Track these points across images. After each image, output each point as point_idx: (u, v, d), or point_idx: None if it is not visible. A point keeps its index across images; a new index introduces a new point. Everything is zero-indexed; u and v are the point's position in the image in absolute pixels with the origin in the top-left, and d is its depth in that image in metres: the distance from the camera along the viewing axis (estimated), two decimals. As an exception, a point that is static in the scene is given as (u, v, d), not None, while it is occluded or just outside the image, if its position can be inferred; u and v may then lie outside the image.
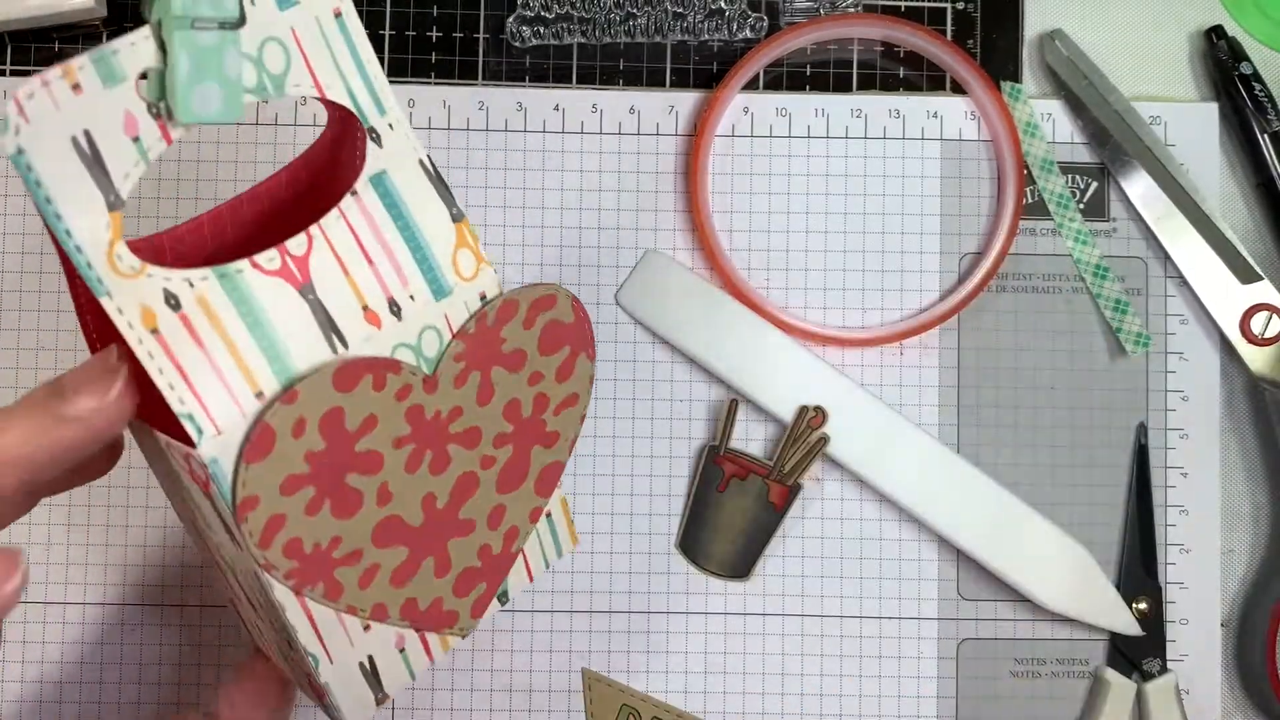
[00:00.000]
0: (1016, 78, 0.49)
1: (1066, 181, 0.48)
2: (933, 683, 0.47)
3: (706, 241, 0.47)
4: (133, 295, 0.28)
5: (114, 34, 0.48)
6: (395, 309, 0.32)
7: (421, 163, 0.33)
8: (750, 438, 0.47)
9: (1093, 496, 0.47)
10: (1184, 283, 0.48)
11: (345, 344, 0.31)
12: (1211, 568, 0.47)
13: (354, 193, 0.32)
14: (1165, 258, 0.48)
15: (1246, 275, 0.47)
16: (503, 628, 0.47)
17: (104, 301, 0.28)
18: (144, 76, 0.28)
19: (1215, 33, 0.48)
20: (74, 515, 0.46)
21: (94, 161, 0.28)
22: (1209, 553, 0.47)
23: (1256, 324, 0.47)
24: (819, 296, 0.48)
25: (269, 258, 0.31)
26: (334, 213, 0.32)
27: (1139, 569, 0.47)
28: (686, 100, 0.48)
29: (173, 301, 0.29)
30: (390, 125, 0.33)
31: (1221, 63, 0.48)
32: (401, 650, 0.36)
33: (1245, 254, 0.47)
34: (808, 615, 0.47)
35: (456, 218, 0.34)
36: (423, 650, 0.37)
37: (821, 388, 0.46)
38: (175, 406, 0.29)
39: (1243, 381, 0.48)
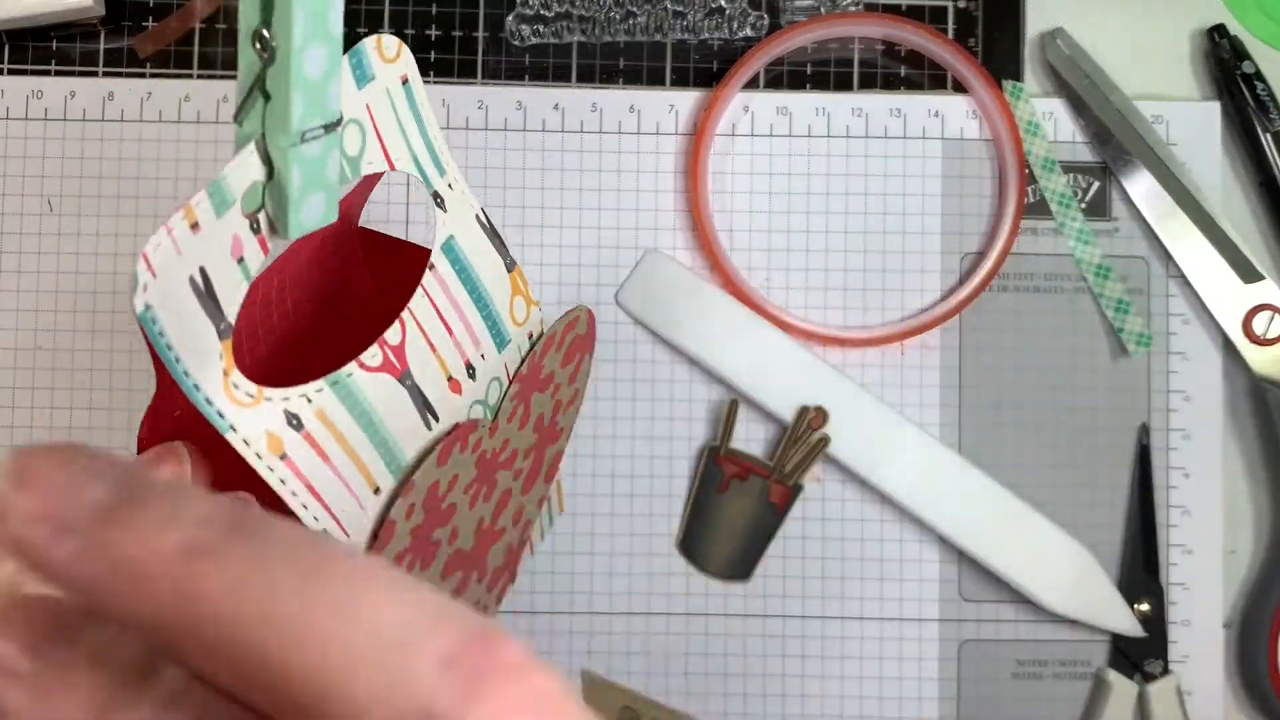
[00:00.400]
0: (1018, 77, 0.49)
1: (1068, 181, 0.48)
2: (934, 684, 0.47)
3: (706, 241, 0.46)
4: (256, 423, 0.27)
5: (111, 33, 0.48)
6: (471, 371, 0.33)
7: (478, 217, 0.33)
8: (751, 438, 0.47)
9: (1094, 497, 0.47)
10: (1186, 282, 0.48)
11: (437, 419, 0.31)
12: (1214, 568, 0.47)
13: (431, 266, 0.31)
14: (1167, 257, 0.48)
15: (1248, 275, 0.47)
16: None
17: (229, 436, 0.26)
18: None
19: (1217, 31, 0.48)
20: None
21: (207, 296, 0.26)
22: (1211, 553, 0.47)
23: (1259, 324, 0.47)
24: (819, 296, 0.48)
25: (372, 354, 0.30)
26: (419, 292, 0.31)
27: (1141, 570, 0.47)
28: (686, 99, 0.48)
29: (294, 421, 0.28)
30: (450, 185, 0.32)
31: (1223, 62, 0.48)
32: None
33: (1247, 253, 0.47)
34: (808, 616, 0.47)
35: (509, 267, 0.34)
36: None
37: (822, 388, 0.46)
38: (309, 523, 0.28)
39: (1245, 381, 0.48)
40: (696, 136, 0.47)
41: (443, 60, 0.48)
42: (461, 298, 0.32)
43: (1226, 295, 0.47)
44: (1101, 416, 0.48)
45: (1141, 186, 0.48)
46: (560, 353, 0.36)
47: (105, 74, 0.48)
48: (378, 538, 0.30)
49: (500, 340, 0.33)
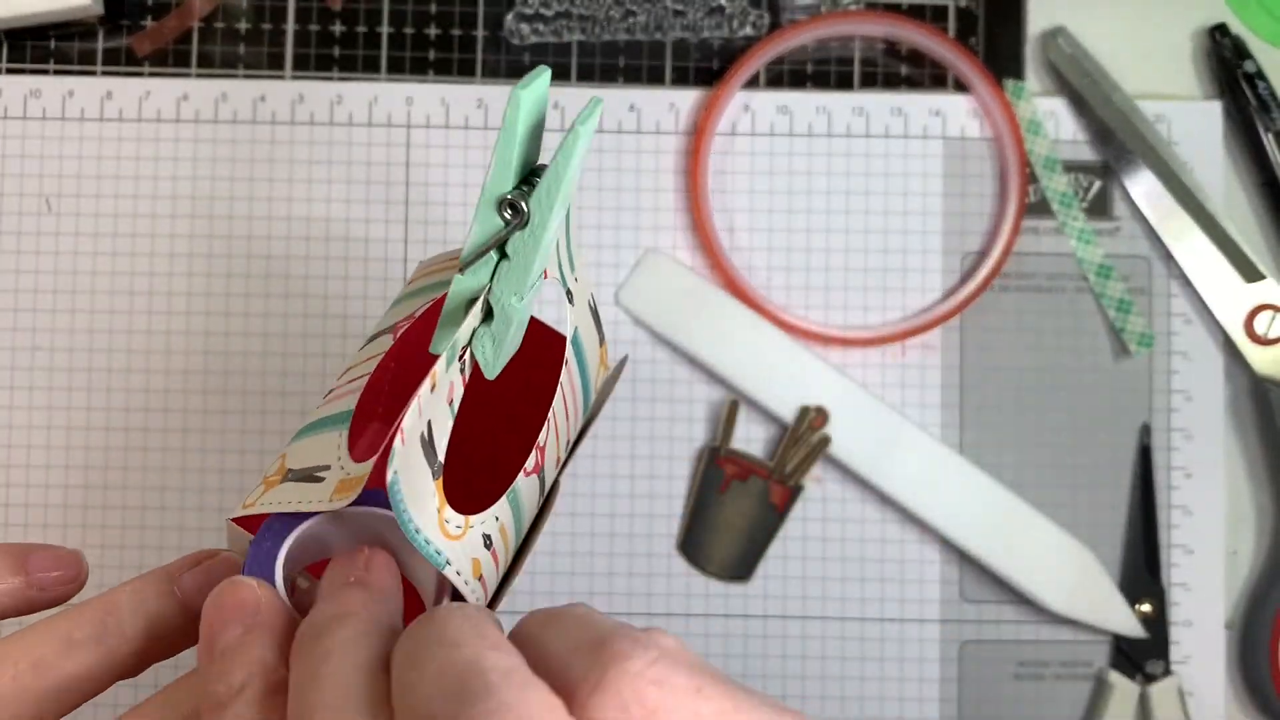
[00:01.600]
0: (1019, 76, 0.48)
1: (1069, 180, 0.48)
2: (935, 685, 0.47)
3: (706, 241, 0.46)
4: (463, 554, 0.27)
5: (110, 32, 0.47)
6: (571, 448, 0.33)
7: (590, 304, 0.33)
8: (751, 438, 0.47)
9: (1096, 497, 0.47)
10: (1187, 282, 0.48)
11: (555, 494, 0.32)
12: (1215, 569, 0.47)
13: (566, 362, 0.31)
14: (1169, 257, 0.48)
15: (1250, 274, 0.47)
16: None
17: (445, 570, 0.27)
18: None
19: (1219, 31, 0.48)
20: (69, 516, 0.46)
21: (429, 444, 0.26)
22: (1213, 554, 0.47)
23: (1260, 323, 0.47)
24: (820, 296, 0.47)
25: (532, 460, 0.30)
26: (558, 392, 0.31)
27: (1142, 570, 0.47)
28: (687, 98, 0.48)
29: (488, 542, 0.29)
30: (576, 279, 0.32)
31: (1225, 61, 0.48)
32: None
33: (1249, 253, 0.47)
34: (809, 617, 0.47)
35: (602, 341, 0.34)
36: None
37: (822, 388, 0.46)
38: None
39: (1246, 381, 0.48)
40: (697, 136, 0.47)
41: (442, 59, 0.48)
42: (577, 385, 0.32)
43: (1228, 295, 0.47)
44: (1103, 416, 0.47)
45: (1143, 186, 0.47)
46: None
47: (104, 73, 0.48)
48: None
49: (586, 411, 0.34)
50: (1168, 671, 0.46)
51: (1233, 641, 0.47)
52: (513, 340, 0.28)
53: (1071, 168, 0.48)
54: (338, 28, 0.48)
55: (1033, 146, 0.47)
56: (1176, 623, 0.47)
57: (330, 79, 0.48)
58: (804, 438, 0.46)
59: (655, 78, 0.48)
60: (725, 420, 0.46)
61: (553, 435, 0.31)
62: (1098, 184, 0.48)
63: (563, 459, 0.33)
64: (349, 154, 0.47)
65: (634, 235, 0.47)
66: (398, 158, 0.47)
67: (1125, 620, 0.46)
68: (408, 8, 0.48)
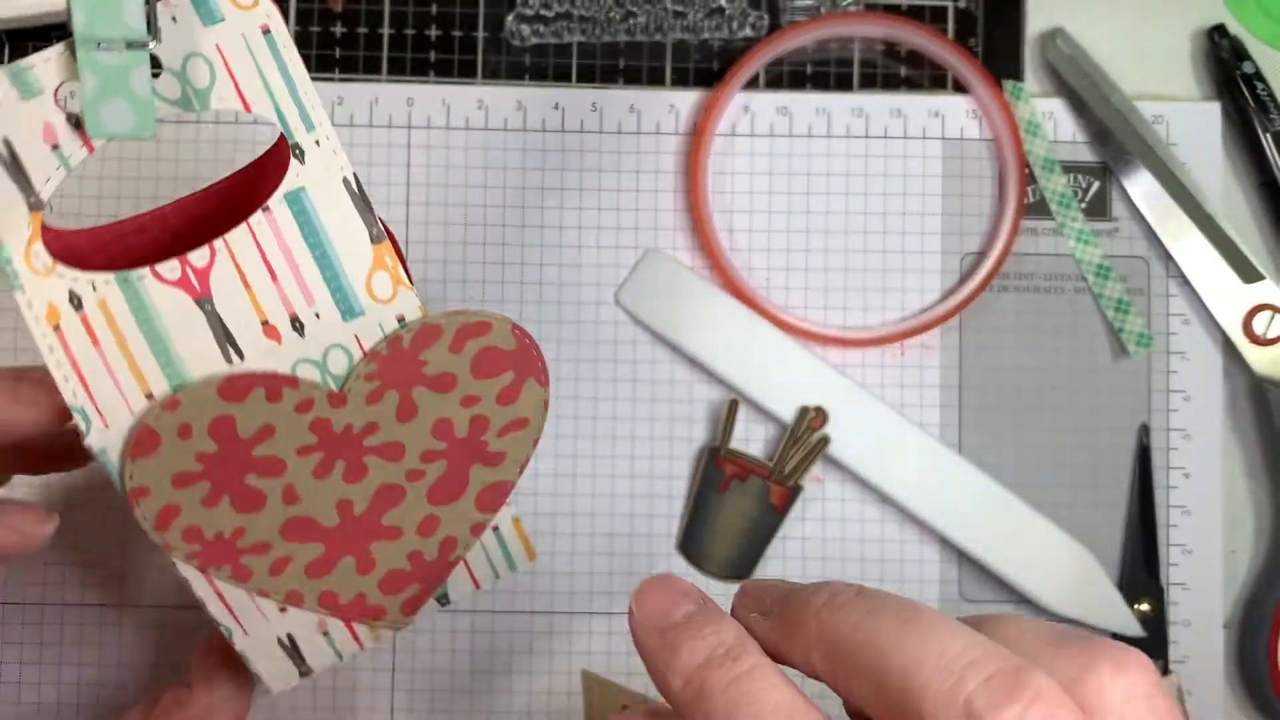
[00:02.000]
0: (1018, 77, 0.49)
1: (1068, 181, 0.48)
2: (934, 684, 0.47)
3: (706, 241, 0.46)
4: (42, 292, 0.31)
5: (112, 33, 0.48)
6: (298, 326, 0.33)
7: (345, 181, 0.33)
8: (750, 438, 0.47)
9: (1094, 497, 0.47)
10: (1186, 282, 0.48)
11: (242, 356, 0.33)
12: (1214, 569, 0.47)
13: (266, 209, 0.33)
14: (1167, 257, 0.48)
15: (1249, 275, 0.47)
16: (502, 628, 0.47)
17: (16, 295, 0.30)
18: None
19: (1217, 32, 0.48)
20: (78, 517, 0.46)
21: (14, 167, 0.30)
22: (1211, 554, 0.47)
23: (1259, 324, 0.47)
24: (819, 296, 0.48)
25: (170, 268, 0.32)
26: (242, 228, 0.32)
27: (1141, 570, 0.47)
28: (687, 99, 0.48)
29: (75, 301, 0.31)
30: (317, 142, 0.33)
31: (1223, 62, 0.48)
32: (325, 633, 0.37)
33: (1248, 253, 0.47)
34: (808, 616, 0.47)
35: (376, 239, 0.34)
36: (350, 637, 0.37)
37: (822, 388, 0.46)
38: (68, 399, 0.31)
39: (1245, 382, 0.48)
40: (696, 136, 0.47)
41: (443, 60, 0.48)
42: (298, 249, 0.33)
43: (1227, 295, 0.47)
44: (1101, 416, 0.48)
45: (1142, 186, 0.48)
46: (458, 356, 0.35)
47: (105, 74, 0.48)
48: (140, 443, 0.31)
49: (346, 308, 0.33)
50: (1166, 671, 0.47)
51: (1231, 641, 0.47)
52: (102, 100, 0.30)
53: (1070, 168, 0.48)
54: (338, 29, 0.48)
55: (1031, 147, 0.48)
56: (1175, 622, 0.47)
57: (331, 80, 0.48)
58: (803, 438, 0.46)
59: (655, 79, 0.48)
60: (725, 420, 0.46)
61: (236, 277, 0.32)
62: (1096, 184, 0.48)
63: (281, 331, 0.33)
64: (350, 155, 0.47)
65: (634, 235, 0.47)
66: (398, 159, 0.47)
67: (1124, 619, 0.46)
68: (408, 9, 0.48)
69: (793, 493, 0.46)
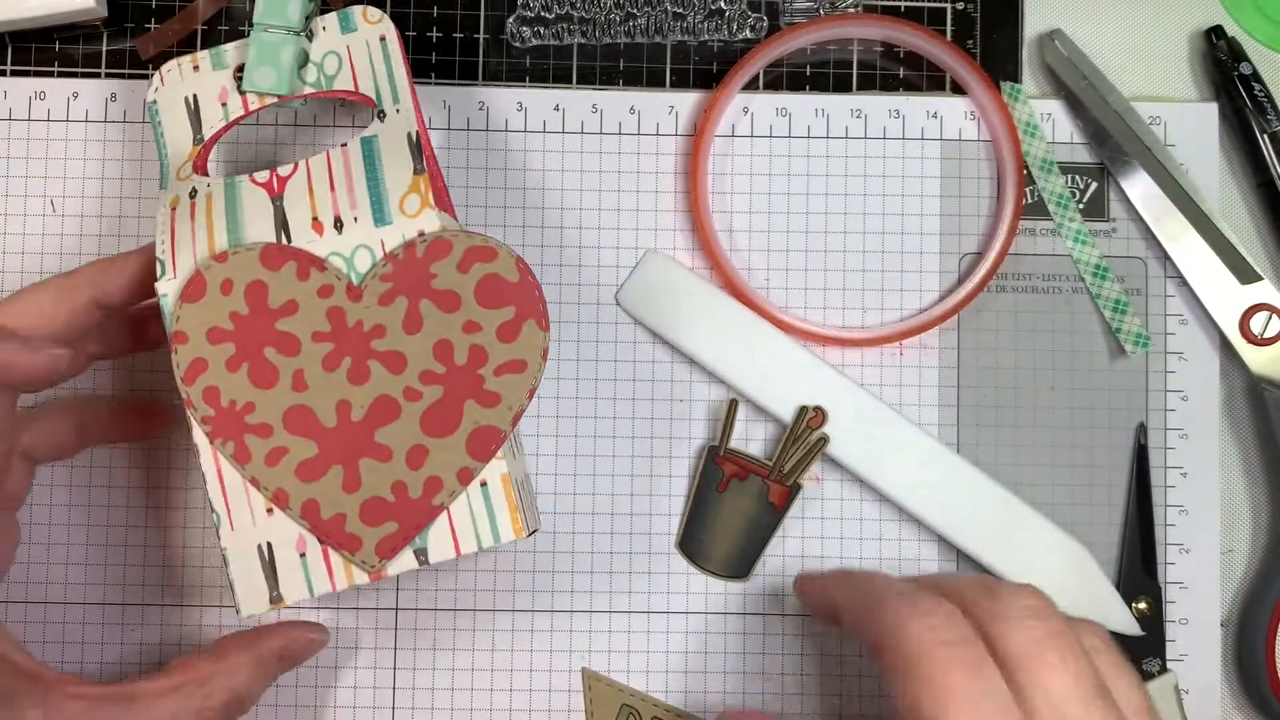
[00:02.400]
0: (1016, 78, 0.49)
1: (1066, 181, 0.48)
2: (932, 682, 0.47)
3: (706, 241, 0.47)
4: (176, 189, 0.41)
5: (114, 34, 0.48)
6: (339, 225, 0.39)
7: (409, 135, 0.40)
8: (750, 438, 0.47)
9: (1092, 496, 0.48)
10: (1184, 283, 0.48)
11: (290, 240, 0.39)
12: (1211, 567, 0.47)
13: (343, 145, 0.40)
14: (1165, 258, 0.48)
15: (1246, 275, 0.47)
16: (503, 627, 0.47)
17: (163, 191, 0.41)
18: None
19: (1215, 33, 0.48)
20: (74, 515, 0.47)
21: (194, 114, 0.43)
22: (1209, 552, 0.47)
23: (1256, 324, 0.47)
24: (819, 296, 0.48)
25: (262, 174, 0.40)
26: (322, 153, 0.40)
27: (1138, 569, 0.47)
28: (686, 100, 0.48)
29: (192, 194, 0.40)
30: (398, 110, 0.41)
31: (1221, 63, 0.48)
32: (302, 555, 0.39)
33: (1245, 254, 0.47)
34: (808, 615, 0.47)
35: (418, 171, 0.40)
36: (324, 568, 0.39)
37: (821, 388, 0.46)
38: (158, 253, 0.39)
39: (1242, 381, 0.48)
40: (696, 137, 0.47)
41: (444, 62, 0.48)
42: (357, 169, 0.40)
43: (1224, 296, 0.47)
44: (1099, 416, 0.48)
45: (1139, 187, 0.48)
46: (464, 276, 0.39)
47: (108, 75, 0.48)
48: (191, 288, 0.39)
49: (380, 215, 0.39)
50: (1164, 669, 0.47)
51: (1228, 639, 0.48)
52: (258, 65, 0.42)
53: (1068, 169, 0.48)
54: (340, 30, 0.48)
55: (1029, 148, 0.48)
56: (1173, 621, 0.47)
57: (333, 81, 0.48)
58: (802, 437, 0.46)
59: (655, 80, 0.49)
60: (724, 420, 0.47)
61: (305, 182, 0.40)
62: (1094, 185, 0.48)
63: (324, 225, 0.39)
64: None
65: (634, 235, 0.48)
66: (399, 159, 0.48)
67: (1122, 618, 0.46)
68: (409, 11, 0.48)
69: (792, 492, 0.46)
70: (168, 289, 0.39)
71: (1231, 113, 0.48)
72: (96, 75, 0.48)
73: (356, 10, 0.43)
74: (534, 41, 0.48)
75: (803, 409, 0.46)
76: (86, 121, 0.48)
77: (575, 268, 0.47)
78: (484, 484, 0.39)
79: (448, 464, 0.39)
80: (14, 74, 0.48)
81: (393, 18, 0.49)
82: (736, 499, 0.46)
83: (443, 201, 0.44)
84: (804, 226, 0.48)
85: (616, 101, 0.48)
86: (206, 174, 0.42)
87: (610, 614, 0.47)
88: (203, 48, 0.48)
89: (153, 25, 0.48)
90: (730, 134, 0.48)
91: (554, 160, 0.48)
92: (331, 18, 0.43)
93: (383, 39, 0.42)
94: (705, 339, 0.47)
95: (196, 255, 0.39)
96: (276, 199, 0.40)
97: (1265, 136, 0.47)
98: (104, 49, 0.48)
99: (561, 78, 0.48)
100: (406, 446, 0.39)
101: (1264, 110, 0.47)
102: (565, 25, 0.48)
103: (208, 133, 0.42)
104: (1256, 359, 0.47)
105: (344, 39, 0.43)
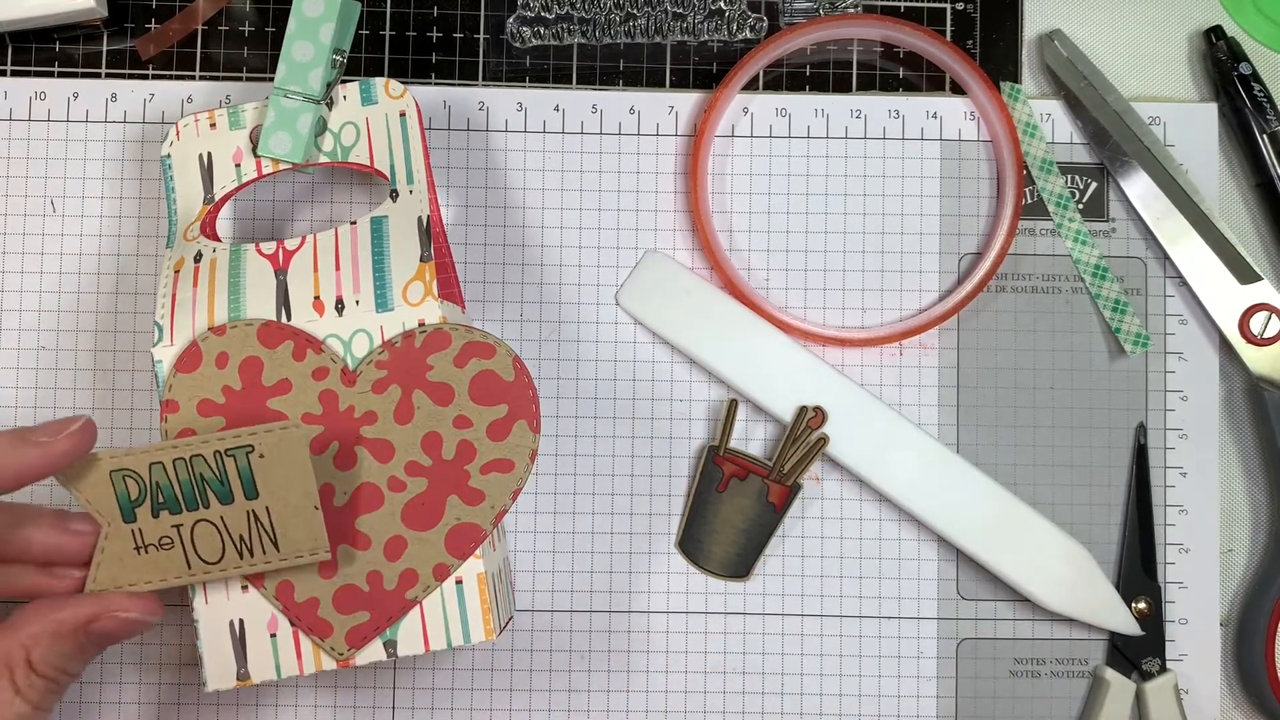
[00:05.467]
0: (1016, 78, 0.49)
1: (1066, 182, 0.48)
2: (932, 682, 0.47)
3: (706, 241, 0.47)
4: (183, 251, 0.41)
5: (114, 35, 0.48)
6: (340, 306, 0.39)
7: (419, 219, 0.40)
8: (750, 438, 0.47)
9: (1092, 496, 0.48)
10: (1183, 283, 0.48)
11: (290, 317, 0.39)
12: (1211, 567, 0.47)
13: (353, 223, 0.41)
14: (1164, 258, 0.48)
15: (1245, 275, 0.47)
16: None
17: (166, 252, 0.41)
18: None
19: (1214, 33, 0.48)
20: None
21: (207, 172, 0.43)
22: (1208, 552, 0.47)
23: (1256, 324, 0.47)
24: (819, 296, 0.48)
25: (269, 246, 0.40)
26: (330, 230, 0.40)
27: (1138, 569, 0.47)
28: (686, 101, 0.48)
29: (198, 257, 0.40)
30: (411, 191, 0.41)
31: (1220, 63, 0.48)
32: (273, 635, 0.39)
33: (1244, 254, 0.47)
34: (807, 615, 0.47)
35: (424, 259, 0.40)
36: (294, 650, 0.39)
37: (821, 388, 0.46)
38: (157, 317, 0.39)
39: (1242, 381, 0.48)
40: (696, 137, 0.47)
41: (444, 62, 0.48)
42: (364, 250, 0.40)
43: (1223, 296, 0.47)
44: (1099, 416, 0.48)
45: (1139, 187, 0.48)
46: (460, 371, 0.39)
47: (108, 75, 0.48)
48: (186, 358, 0.39)
49: (382, 300, 0.39)
50: (1163, 669, 0.47)
51: (1228, 639, 0.48)
52: (274, 130, 0.42)
53: (1067, 169, 0.48)
54: (340, 30, 0.48)
55: (1029, 148, 0.48)
56: (1172, 620, 0.47)
57: (333, 81, 0.48)
58: (802, 437, 0.46)
59: (655, 80, 0.49)
60: (725, 420, 0.47)
61: (310, 260, 0.40)
62: (1094, 185, 0.48)
63: (326, 305, 0.39)
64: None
65: (634, 235, 0.48)
66: (400, 159, 0.48)
67: (1121, 618, 0.46)
68: (410, 11, 0.48)
69: (792, 491, 0.46)
70: (163, 355, 0.39)
71: (1231, 113, 0.48)
72: (96, 75, 0.48)
73: (379, 82, 0.43)
74: (534, 41, 0.48)
75: (803, 409, 0.46)
76: (87, 121, 0.48)
77: (575, 268, 0.47)
78: (459, 582, 0.39)
79: (425, 558, 0.39)
80: (14, 74, 0.48)
81: (393, 18, 0.49)
82: (736, 499, 0.46)
83: (448, 290, 0.44)
84: (804, 226, 0.48)
85: (616, 102, 0.48)
86: (215, 237, 0.42)
87: (610, 614, 0.47)
88: (203, 48, 0.48)
89: (153, 25, 0.48)
90: (730, 134, 0.48)
91: (554, 160, 0.48)
92: (353, 88, 0.43)
93: (403, 115, 0.42)
94: (705, 339, 0.47)
95: (195, 324, 0.39)
96: (280, 273, 0.40)
97: (1265, 136, 0.47)
98: (104, 49, 0.48)
99: (561, 78, 0.48)
100: (386, 537, 0.39)
101: (1263, 110, 0.47)
102: (565, 25, 0.48)
103: (219, 192, 0.42)
104: (1256, 359, 0.47)
105: (364, 110, 0.42)
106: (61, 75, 0.48)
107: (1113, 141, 0.48)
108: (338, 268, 0.40)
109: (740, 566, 0.47)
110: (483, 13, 0.48)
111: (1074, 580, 0.46)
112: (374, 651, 0.39)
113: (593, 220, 0.48)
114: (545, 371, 0.47)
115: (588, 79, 0.48)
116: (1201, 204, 0.47)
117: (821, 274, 0.48)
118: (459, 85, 0.48)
